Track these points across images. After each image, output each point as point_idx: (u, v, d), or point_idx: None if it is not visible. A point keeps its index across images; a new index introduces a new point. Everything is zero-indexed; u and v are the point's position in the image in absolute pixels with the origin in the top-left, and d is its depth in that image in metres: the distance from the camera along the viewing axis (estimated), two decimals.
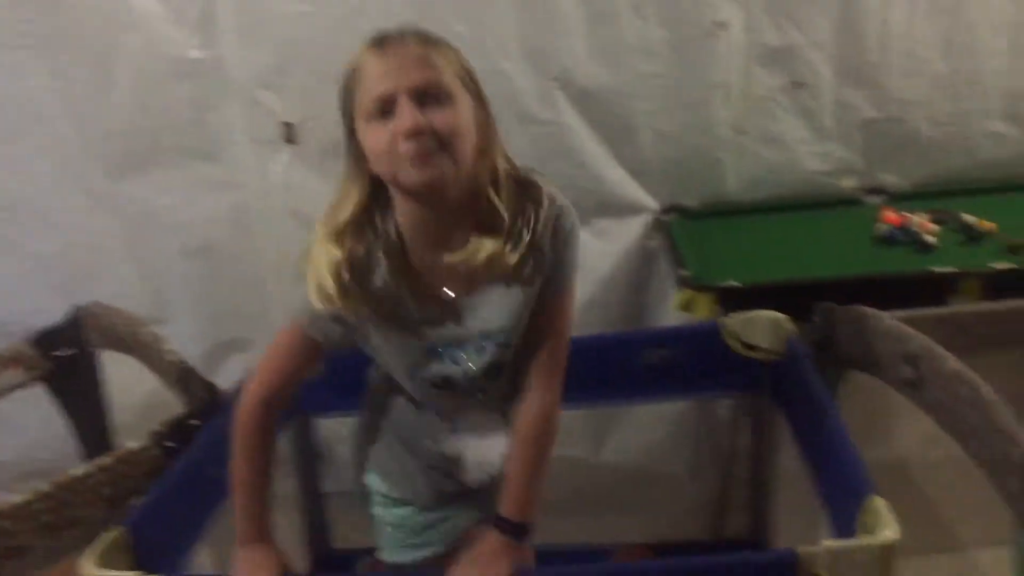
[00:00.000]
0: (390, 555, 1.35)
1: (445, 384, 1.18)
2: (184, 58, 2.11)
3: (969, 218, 2.07)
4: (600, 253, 2.33)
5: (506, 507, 1.21)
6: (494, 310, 1.15)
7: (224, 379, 1.91)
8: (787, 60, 2.20)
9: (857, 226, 2.19)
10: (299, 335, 1.18)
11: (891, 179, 2.37)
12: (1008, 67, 2.19)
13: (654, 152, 2.30)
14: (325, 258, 1.07)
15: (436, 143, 1.02)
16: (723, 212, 2.35)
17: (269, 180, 2.23)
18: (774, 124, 2.28)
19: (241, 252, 2.29)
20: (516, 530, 1.21)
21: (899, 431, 1.75)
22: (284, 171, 2.23)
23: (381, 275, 1.10)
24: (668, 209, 2.37)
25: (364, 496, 1.38)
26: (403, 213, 1.10)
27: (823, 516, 1.36)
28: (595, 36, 2.12)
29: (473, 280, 1.13)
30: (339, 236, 1.08)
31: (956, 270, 1.86)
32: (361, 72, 1.06)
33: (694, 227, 2.28)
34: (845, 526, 1.22)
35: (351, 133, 1.09)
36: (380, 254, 1.10)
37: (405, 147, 1.01)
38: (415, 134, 1.01)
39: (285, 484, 1.99)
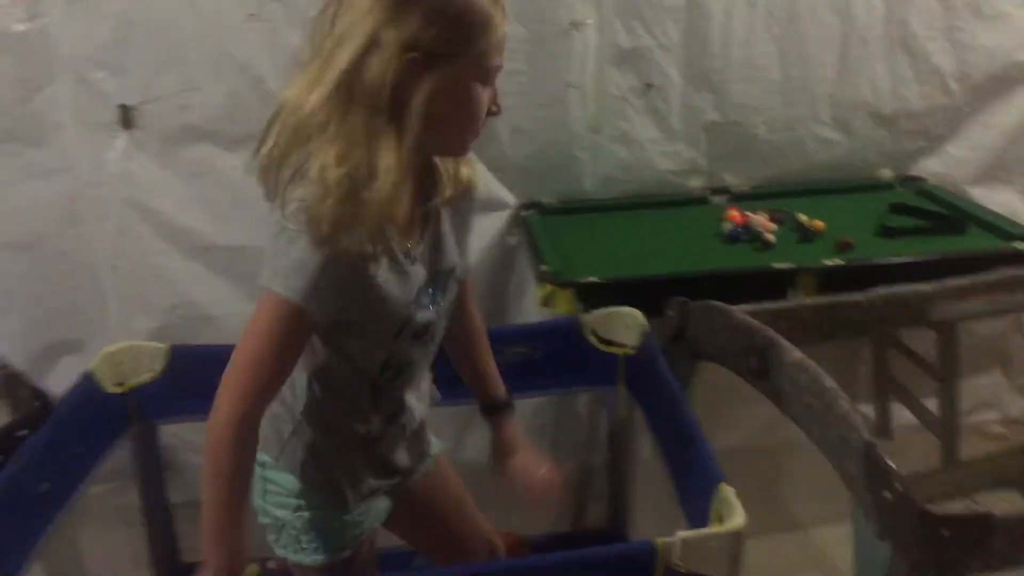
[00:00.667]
0: (301, 557, 1.24)
1: (424, 331, 1.17)
2: (7, 32, 1.92)
3: (803, 218, 2.22)
4: None
5: (497, 392, 1.40)
6: (450, 249, 1.18)
7: (55, 384, 1.76)
8: (638, 62, 2.28)
9: (705, 224, 2.30)
10: (294, 313, 1.00)
11: (733, 179, 2.50)
12: (836, 77, 2.37)
13: (513, 149, 2.31)
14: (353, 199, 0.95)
15: None
16: (580, 209, 2.41)
17: (103, 168, 2.07)
18: (627, 124, 2.35)
19: (72, 246, 2.11)
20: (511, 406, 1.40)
21: (746, 417, 1.86)
22: (120, 158, 2.07)
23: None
24: (527, 205, 2.39)
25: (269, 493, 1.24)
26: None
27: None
28: None
29: (429, 223, 1.14)
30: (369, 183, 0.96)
31: (794, 266, 1.99)
32: (490, 31, 1.01)
33: (552, 223, 2.31)
34: (699, 515, 1.27)
35: (422, 72, 0.96)
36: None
37: (484, 122, 1.06)
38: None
39: (127, 496, 1.87)
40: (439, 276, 1.17)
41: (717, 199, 2.47)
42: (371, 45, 0.94)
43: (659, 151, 2.41)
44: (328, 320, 1.05)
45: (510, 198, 2.39)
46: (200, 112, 2.07)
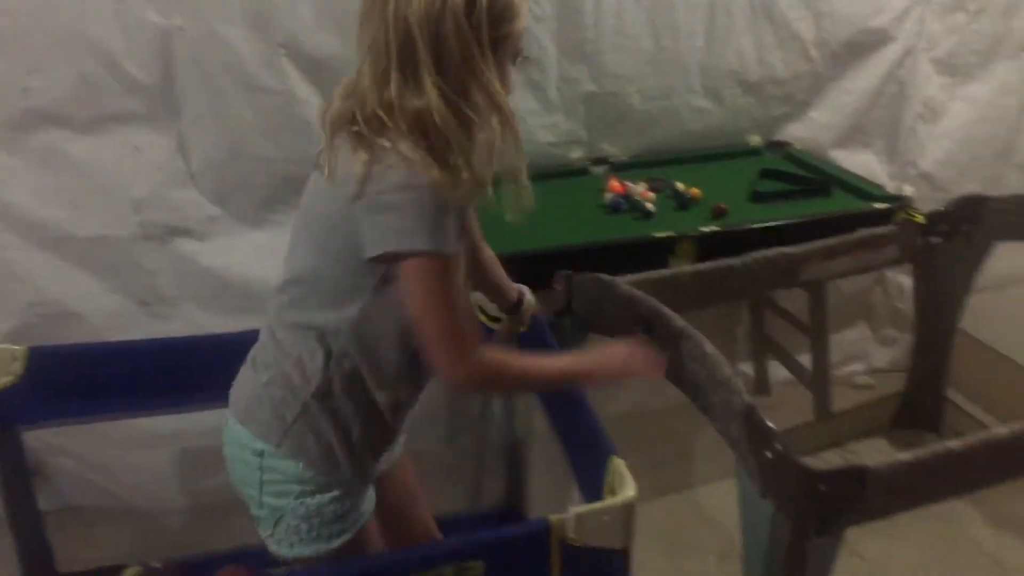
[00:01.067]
0: (300, 549, 1.22)
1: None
2: None
3: (680, 186, 2.27)
4: None
5: (511, 295, 1.57)
6: None
7: None
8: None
9: (587, 195, 2.31)
10: (444, 264, 1.08)
11: (613, 150, 2.52)
12: (705, 46, 2.41)
13: None
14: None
15: None
16: None
17: None
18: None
19: None
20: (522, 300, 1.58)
21: (635, 383, 1.88)
22: None
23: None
24: None
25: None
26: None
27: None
28: (321, 1, 2.02)
29: None
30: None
31: (673, 234, 2.02)
32: (518, 13, 1.09)
33: None
34: (593, 488, 1.29)
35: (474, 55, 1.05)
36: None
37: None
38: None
39: None
40: None
41: (598, 170, 2.48)
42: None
43: (539, 123, 2.40)
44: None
45: None
46: (45, 95, 1.90)
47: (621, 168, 2.48)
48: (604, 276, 1.61)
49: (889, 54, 2.53)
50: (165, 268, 2.10)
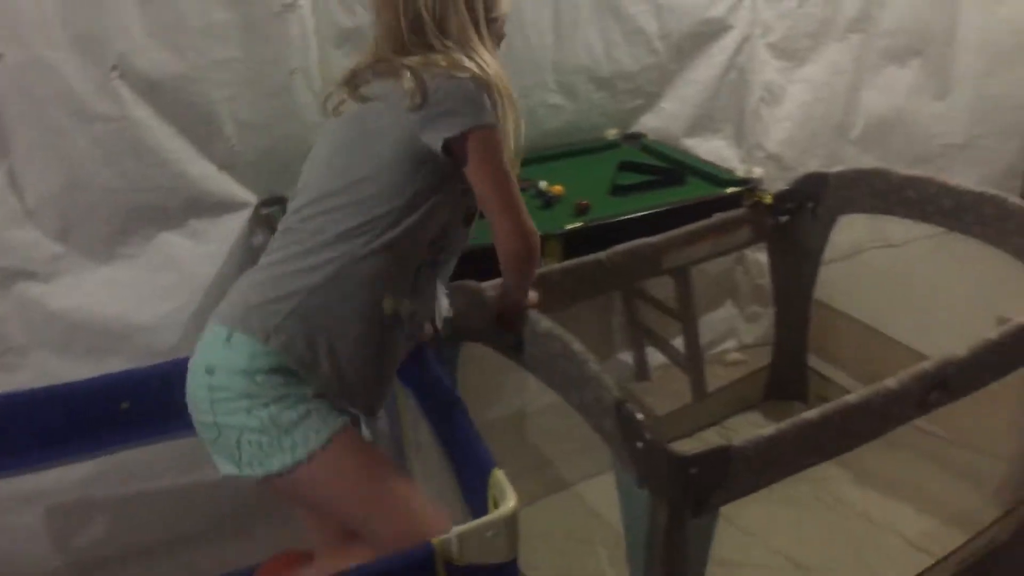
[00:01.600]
0: (285, 457, 1.24)
1: (471, 217, 1.45)
2: None
3: (543, 184, 2.29)
4: (199, 257, 2.14)
5: None
6: None
7: None
8: (361, 41, 2.20)
9: None
10: (496, 131, 1.32)
11: None
12: (555, 43, 2.45)
13: (242, 143, 2.16)
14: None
15: None
16: None
17: None
18: None
19: None
20: None
21: (513, 386, 1.90)
22: None
23: None
24: (269, 201, 2.25)
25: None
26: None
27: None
28: (150, 18, 1.91)
29: None
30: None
31: (541, 234, 2.03)
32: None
33: None
34: (478, 502, 1.28)
35: None
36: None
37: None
38: None
39: None
40: None
41: None
42: None
43: None
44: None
45: (249, 196, 2.24)
46: None
47: None
48: (471, 283, 1.61)
49: (728, 42, 2.63)
50: (9, 315, 1.95)
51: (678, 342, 2.50)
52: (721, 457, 1.24)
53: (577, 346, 1.36)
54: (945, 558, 1.80)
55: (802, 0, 2.69)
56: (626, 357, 2.72)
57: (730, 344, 2.96)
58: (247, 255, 2.24)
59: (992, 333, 1.50)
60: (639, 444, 1.23)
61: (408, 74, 1.26)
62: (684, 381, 2.46)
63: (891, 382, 1.39)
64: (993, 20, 3.01)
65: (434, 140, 1.26)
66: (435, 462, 1.53)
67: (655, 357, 2.58)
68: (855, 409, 1.36)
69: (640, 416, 1.24)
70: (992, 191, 1.82)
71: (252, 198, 2.23)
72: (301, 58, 2.15)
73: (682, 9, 2.53)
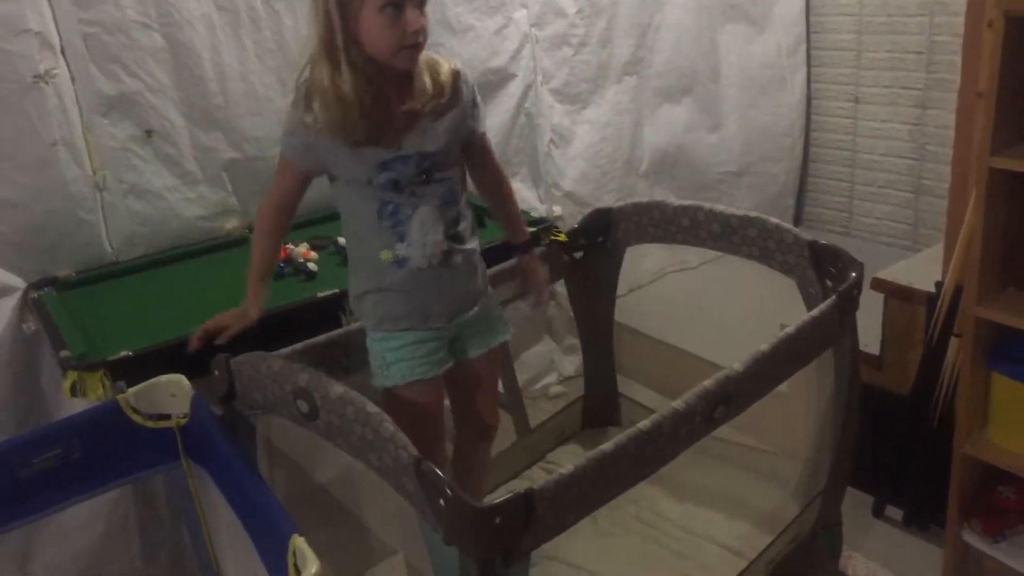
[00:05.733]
0: (399, 378, 1.60)
1: (394, 185, 1.52)
2: None
3: (342, 240, 2.24)
4: None
5: (520, 236, 1.91)
6: (437, 137, 1.54)
7: None
8: (130, 108, 2.11)
9: (247, 265, 2.20)
10: (286, 161, 1.56)
11: None
12: None
13: (4, 223, 1.99)
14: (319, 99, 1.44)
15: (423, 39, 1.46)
16: (105, 276, 2.16)
17: None
18: (136, 175, 2.17)
19: None
20: (529, 242, 1.93)
21: (322, 456, 1.83)
22: None
23: (356, 118, 1.45)
24: (39, 284, 2.08)
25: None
26: (369, 79, 1.45)
27: None
28: None
29: (410, 119, 1.51)
30: (312, 95, 1.45)
31: (337, 291, 1.99)
32: None
33: (75, 299, 2.04)
34: (279, 571, 1.22)
35: (341, 12, 1.40)
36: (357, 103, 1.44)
37: (410, 40, 1.42)
38: (419, 33, 1.43)
39: None
40: (429, 155, 1.53)
41: None
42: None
43: (181, 198, 2.26)
44: (313, 166, 1.55)
45: (15, 280, 2.05)
46: None
47: None
48: (259, 353, 1.54)
49: (514, 89, 2.73)
50: None
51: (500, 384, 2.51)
52: (524, 503, 1.23)
53: (371, 408, 1.33)
54: (757, 558, 1.89)
55: (577, 48, 2.84)
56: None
57: (551, 378, 3.02)
58: (22, 344, 2.05)
59: (764, 346, 1.60)
60: (441, 502, 1.21)
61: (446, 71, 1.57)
62: (509, 420, 2.48)
63: (678, 404, 1.45)
64: (750, 56, 3.31)
65: (479, 127, 1.68)
66: (243, 542, 1.45)
67: None
68: (648, 435, 1.40)
69: (439, 473, 1.22)
70: (754, 213, 1.97)
71: (19, 281, 2.05)
72: (63, 128, 2.01)
73: (466, 61, 2.58)
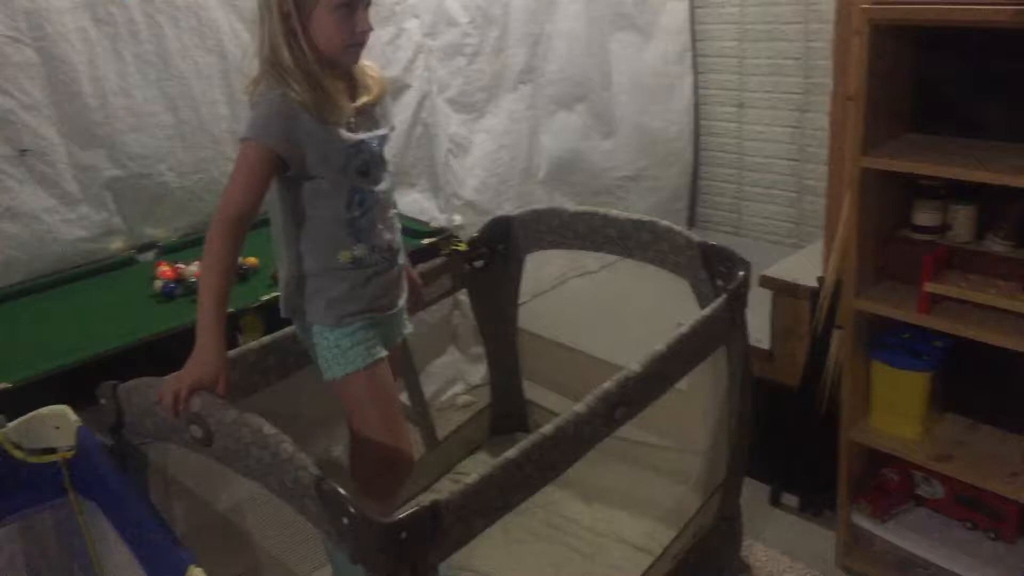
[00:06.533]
0: (361, 362, 1.60)
1: (365, 168, 1.54)
2: None
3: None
4: None
5: None
6: (377, 124, 1.59)
7: None
8: (1, 127, 1.99)
9: (136, 287, 2.13)
10: (261, 150, 1.45)
11: (158, 233, 2.36)
12: (229, 113, 2.37)
13: None
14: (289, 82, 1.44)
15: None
16: None
17: None
18: (10, 198, 2.06)
19: None
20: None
21: (222, 481, 1.77)
22: None
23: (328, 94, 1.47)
24: None
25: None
26: (324, 76, 1.48)
27: None
28: None
29: (359, 109, 1.55)
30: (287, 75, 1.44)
31: (232, 310, 1.93)
32: None
33: None
34: None
35: (297, 11, 1.43)
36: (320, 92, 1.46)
37: (358, 39, 1.49)
38: (366, 32, 1.49)
39: None
40: (377, 139, 1.57)
41: (145, 257, 2.31)
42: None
43: (60, 219, 2.16)
44: (292, 151, 1.46)
45: None
46: None
47: (173, 250, 2.34)
48: (149, 380, 1.48)
49: (409, 99, 2.72)
50: None
51: (404, 396, 2.49)
52: (430, 516, 1.23)
53: (268, 428, 1.29)
54: (663, 552, 1.94)
55: (471, 57, 2.85)
56: None
57: (458, 388, 3.01)
58: None
59: (660, 345, 1.65)
60: (345, 520, 1.19)
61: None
62: (417, 433, 2.46)
63: (580, 407, 1.48)
64: (639, 64, 3.40)
65: None
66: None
67: None
68: (551, 439, 1.42)
69: (342, 492, 1.20)
70: (647, 218, 2.03)
71: None
72: None
73: None
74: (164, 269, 2.12)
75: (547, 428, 1.43)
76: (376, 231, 1.58)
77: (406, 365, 2.41)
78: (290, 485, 1.27)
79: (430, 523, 1.23)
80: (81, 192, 2.17)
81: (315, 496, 1.23)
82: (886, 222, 1.89)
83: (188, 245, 2.35)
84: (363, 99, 1.54)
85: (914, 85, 1.85)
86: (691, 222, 3.79)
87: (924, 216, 1.84)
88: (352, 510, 1.19)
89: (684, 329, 1.72)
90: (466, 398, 2.98)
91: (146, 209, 2.31)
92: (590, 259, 3.35)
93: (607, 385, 1.53)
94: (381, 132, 1.59)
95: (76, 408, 1.58)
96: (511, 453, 1.37)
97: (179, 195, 2.34)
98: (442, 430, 2.51)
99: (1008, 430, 1.89)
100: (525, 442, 1.39)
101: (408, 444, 1.71)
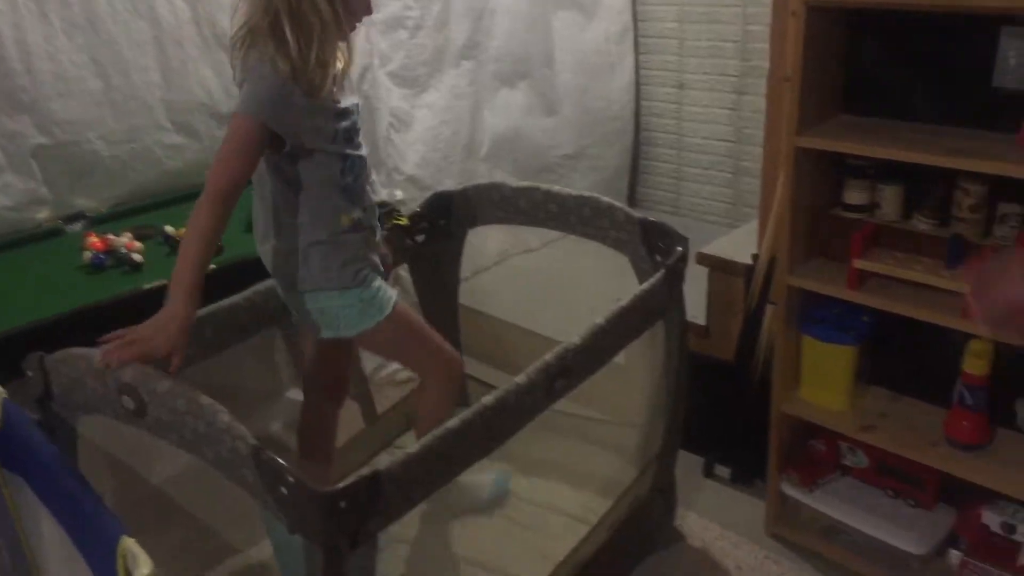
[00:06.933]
0: (389, 304, 1.68)
1: (350, 134, 1.58)
2: None
3: (170, 229, 2.14)
4: None
5: None
6: (348, 91, 1.61)
7: None
8: None
9: (64, 258, 2.06)
10: (254, 124, 1.42)
11: (87, 203, 2.29)
12: (162, 81, 2.30)
13: None
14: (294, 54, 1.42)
15: None
16: None
17: None
18: None
19: None
20: None
21: (154, 457, 1.74)
22: None
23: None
24: None
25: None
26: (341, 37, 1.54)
27: None
28: None
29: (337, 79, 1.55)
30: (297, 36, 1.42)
31: (165, 282, 1.89)
32: None
33: None
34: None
35: None
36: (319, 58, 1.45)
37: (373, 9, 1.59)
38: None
39: None
40: (355, 105, 1.60)
41: (74, 227, 2.23)
42: None
43: None
44: (284, 124, 1.46)
45: None
46: None
47: (103, 221, 2.27)
48: (78, 349, 1.44)
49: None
50: None
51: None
52: (371, 485, 1.23)
53: (204, 399, 1.27)
54: (600, 522, 1.98)
55: (413, 31, 2.82)
56: (297, 394, 2.64)
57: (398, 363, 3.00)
58: None
59: (600, 319, 1.67)
60: (283, 490, 1.18)
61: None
62: (356, 408, 2.45)
63: (520, 378, 1.49)
64: (581, 42, 3.41)
65: None
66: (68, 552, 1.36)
67: None
68: (492, 409, 1.43)
69: (280, 461, 1.19)
70: (588, 193, 2.04)
71: None
72: None
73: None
74: (94, 240, 2.06)
75: (488, 399, 1.44)
76: (366, 193, 1.65)
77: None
78: (227, 456, 1.26)
79: (370, 492, 1.23)
80: (5, 160, 2.09)
81: (253, 466, 1.21)
82: (818, 201, 1.95)
83: (118, 216, 2.29)
84: (339, 65, 1.54)
85: (847, 67, 1.90)
86: (631, 201, 3.83)
87: (854, 195, 1.90)
88: (290, 479, 1.18)
89: (624, 303, 1.74)
90: (406, 374, 2.97)
91: (75, 178, 2.23)
92: (532, 237, 3.36)
93: (547, 357, 1.55)
94: (355, 99, 1.61)
95: (2, 381, 1.53)
96: (452, 423, 1.38)
97: (109, 164, 2.27)
98: (381, 406, 2.51)
99: (929, 401, 1.97)
100: (467, 412, 1.40)
101: (449, 344, 1.87)
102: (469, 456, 1.44)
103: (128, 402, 1.35)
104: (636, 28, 3.53)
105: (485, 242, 3.11)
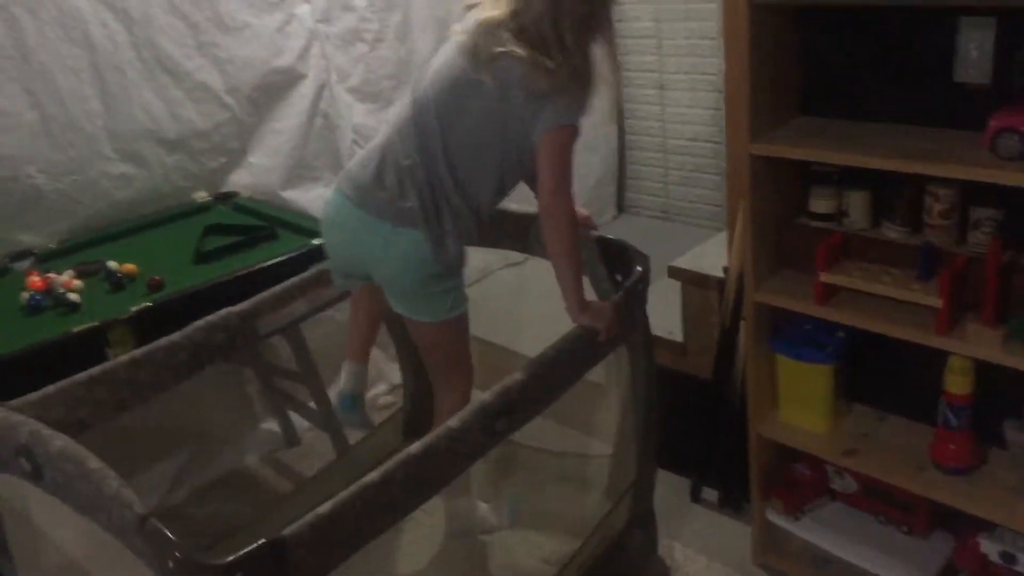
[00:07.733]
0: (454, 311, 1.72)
1: None
2: None
3: (113, 265, 2.05)
4: None
5: None
6: None
7: None
8: None
9: (5, 299, 1.98)
10: (573, 133, 1.59)
11: (34, 239, 2.21)
12: (103, 109, 2.22)
13: None
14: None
15: None
16: None
17: None
18: None
19: None
20: None
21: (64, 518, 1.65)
22: None
23: None
24: None
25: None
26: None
27: None
28: None
29: None
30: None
31: (98, 323, 1.81)
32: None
33: None
34: None
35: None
36: None
37: None
38: None
39: None
40: None
41: (21, 265, 2.16)
42: None
43: None
44: None
45: None
46: None
47: (51, 257, 2.19)
48: None
49: (305, 90, 2.58)
50: None
51: (311, 401, 2.39)
52: (272, 552, 1.12)
53: (94, 463, 1.18)
54: (569, 561, 1.85)
55: (373, 44, 2.72)
56: (273, 425, 2.57)
57: (381, 387, 2.91)
58: None
59: (548, 349, 1.56)
60: (170, 563, 1.08)
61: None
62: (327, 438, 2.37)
63: (453, 422, 1.38)
64: None
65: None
66: None
67: (303, 420, 2.48)
68: (419, 458, 1.32)
69: (167, 533, 1.09)
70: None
71: None
72: None
73: (243, 61, 2.43)
74: (34, 279, 1.99)
75: (415, 446, 1.33)
76: None
77: (306, 366, 2.31)
78: (119, 522, 1.16)
79: (274, 560, 1.13)
80: None
81: (141, 536, 1.12)
82: (783, 209, 1.82)
83: (68, 252, 2.21)
84: None
85: (803, 67, 1.77)
86: (620, 207, 3.71)
87: (819, 203, 1.77)
88: (178, 554, 1.08)
89: (574, 330, 1.63)
90: (387, 399, 2.87)
91: (16, 214, 2.15)
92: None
93: (485, 396, 1.44)
94: None
95: None
96: (373, 476, 1.27)
97: (53, 198, 2.19)
98: (354, 435, 2.41)
99: (915, 419, 1.84)
100: (391, 462, 1.29)
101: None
102: (396, 508, 1.33)
103: (25, 464, 1.26)
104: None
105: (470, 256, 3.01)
